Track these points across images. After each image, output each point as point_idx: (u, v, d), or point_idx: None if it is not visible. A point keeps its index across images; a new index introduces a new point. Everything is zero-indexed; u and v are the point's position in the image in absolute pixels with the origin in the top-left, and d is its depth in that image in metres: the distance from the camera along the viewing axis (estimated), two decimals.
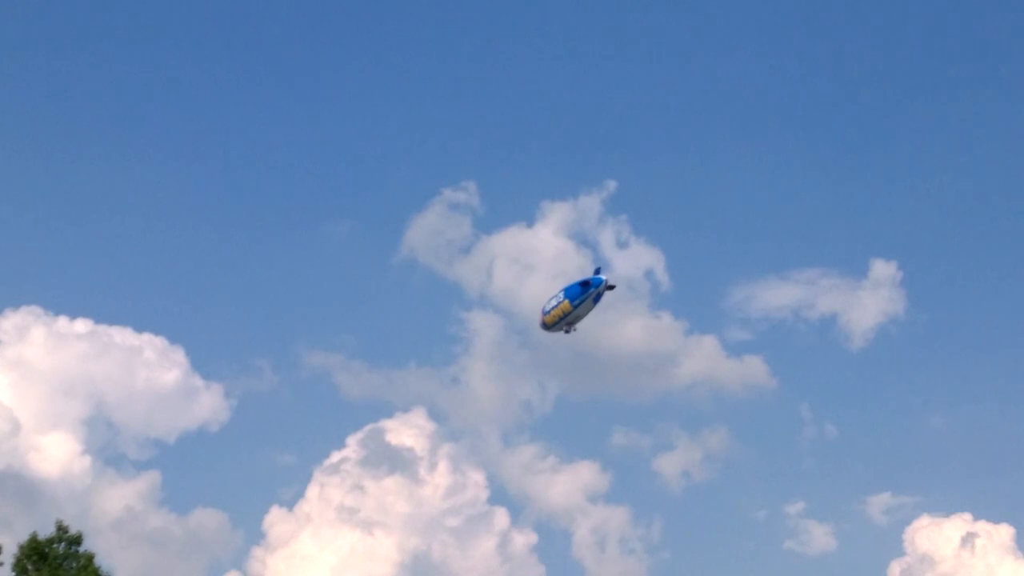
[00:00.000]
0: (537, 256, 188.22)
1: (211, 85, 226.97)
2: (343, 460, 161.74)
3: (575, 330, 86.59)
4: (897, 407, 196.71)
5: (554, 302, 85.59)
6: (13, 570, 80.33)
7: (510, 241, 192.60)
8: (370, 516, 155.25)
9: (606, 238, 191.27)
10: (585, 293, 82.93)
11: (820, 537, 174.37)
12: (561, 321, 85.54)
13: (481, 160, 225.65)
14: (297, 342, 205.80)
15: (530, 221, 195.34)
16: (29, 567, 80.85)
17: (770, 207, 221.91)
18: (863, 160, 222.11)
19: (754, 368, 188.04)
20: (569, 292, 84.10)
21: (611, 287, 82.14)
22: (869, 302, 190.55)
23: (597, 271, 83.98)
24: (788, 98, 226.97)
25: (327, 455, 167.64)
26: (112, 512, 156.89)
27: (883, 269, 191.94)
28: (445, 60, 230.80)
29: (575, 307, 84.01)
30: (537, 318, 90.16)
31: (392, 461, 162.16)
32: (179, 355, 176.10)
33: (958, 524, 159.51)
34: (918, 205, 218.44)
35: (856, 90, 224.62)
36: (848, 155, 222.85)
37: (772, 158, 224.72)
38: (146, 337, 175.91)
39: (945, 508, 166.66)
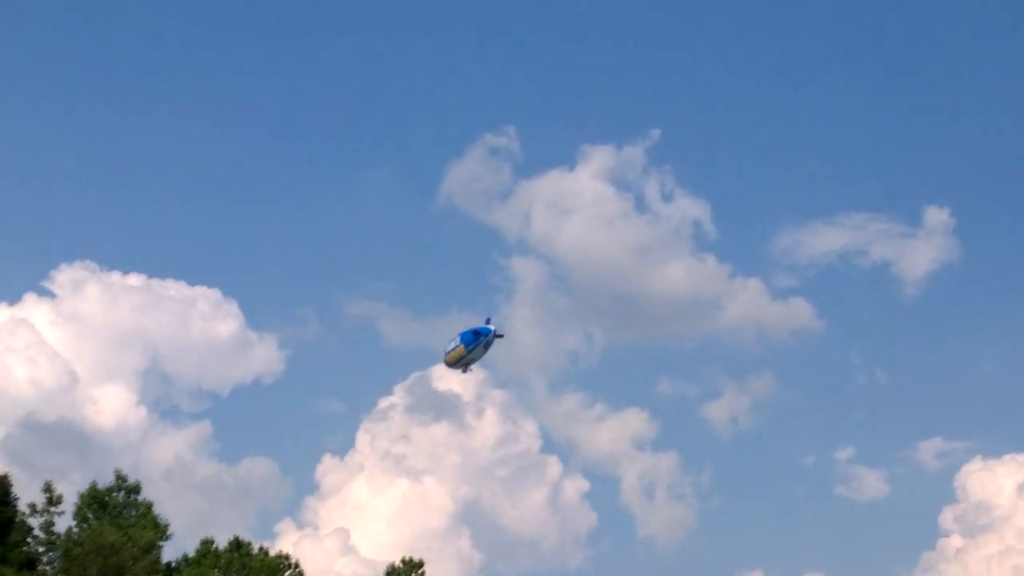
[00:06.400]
0: (576, 200, 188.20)
1: (250, 39, 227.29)
2: (391, 407, 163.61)
3: (471, 370, 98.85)
4: (948, 353, 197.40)
5: (452, 345, 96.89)
6: (74, 518, 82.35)
7: (550, 186, 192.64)
8: (420, 463, 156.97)
9: (651, 190, 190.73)
10: (476, 341, 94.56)
11: (871, 483, 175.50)
12: (459, 362, 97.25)
13: (522, 105, 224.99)
14: (339, 291, 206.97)
15: (571, 165, 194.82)
16: (90, 515, 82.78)
17: (817, 152, 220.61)
18: (915, 105, 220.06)
19: (800, 311, 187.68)
20: (464, 338, 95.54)
21: (499, 336, 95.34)
22: (922, 249, 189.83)
23: (487, 321, 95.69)
24: (836, 41, 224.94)
25: (375, 403, 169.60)
26: (163, 461, 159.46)
27: (936, 216, 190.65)
28: (485, 4, 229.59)
29: (469, 351, 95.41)
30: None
31: (439, 408, 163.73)
32: (233, 307, 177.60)
33: (1011, 467, 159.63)
34: (972, 151, 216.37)
35: (909, 29, 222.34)
36: (900, 100, 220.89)
37: (819, 103, 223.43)
38: (200, 290, 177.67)
39: (997, 451, 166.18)
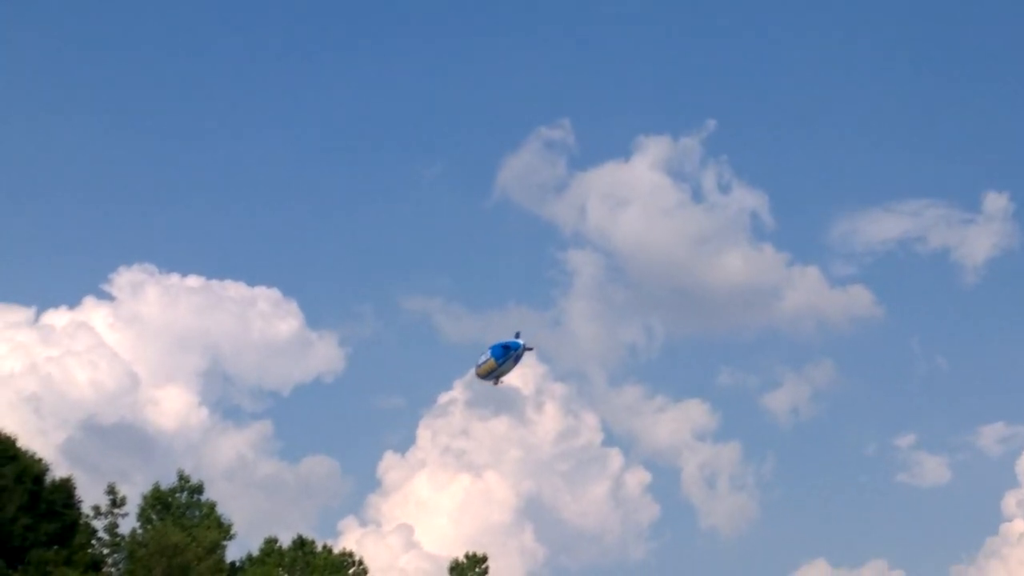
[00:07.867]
0: (632, 191, 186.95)
1: (301, 39, 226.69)
2: (450, 402, 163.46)
3: (502, 382, 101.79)
4: (1008, 338, 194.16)
5: (483, 359, 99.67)
6: (138, 519, 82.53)
7: (605, 177, 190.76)
8: (481, 458, 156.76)
9: (708, 180, 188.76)
10: (506, 355, 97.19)
11: (933, 469, 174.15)
12: (490, 375, 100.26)
13: (576, 97, 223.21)
14: (395, 288, 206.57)
15: (627, 156, 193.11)
16: (153, 516, 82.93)
17: (874, 139, 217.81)
18: (973, 90, 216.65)
19: (859, 298, 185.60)
20: (494, 352, 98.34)
21: (529, 349, 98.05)
22: (982, 235, 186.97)
23: (516, 335, 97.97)
24: (892, 27, 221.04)
25: (434, 399, 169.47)
26: (225, 461, 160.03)
27: (996, 201, 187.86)
28: None
29: (499, 365, 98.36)
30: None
31: (499, 402, 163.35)
32: (292, 306, 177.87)
33: None
34: None
35: (966, 13, 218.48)
36: (957, 85, 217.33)
37: (875, 90, 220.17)
38: (259, 290, 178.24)
39: None
